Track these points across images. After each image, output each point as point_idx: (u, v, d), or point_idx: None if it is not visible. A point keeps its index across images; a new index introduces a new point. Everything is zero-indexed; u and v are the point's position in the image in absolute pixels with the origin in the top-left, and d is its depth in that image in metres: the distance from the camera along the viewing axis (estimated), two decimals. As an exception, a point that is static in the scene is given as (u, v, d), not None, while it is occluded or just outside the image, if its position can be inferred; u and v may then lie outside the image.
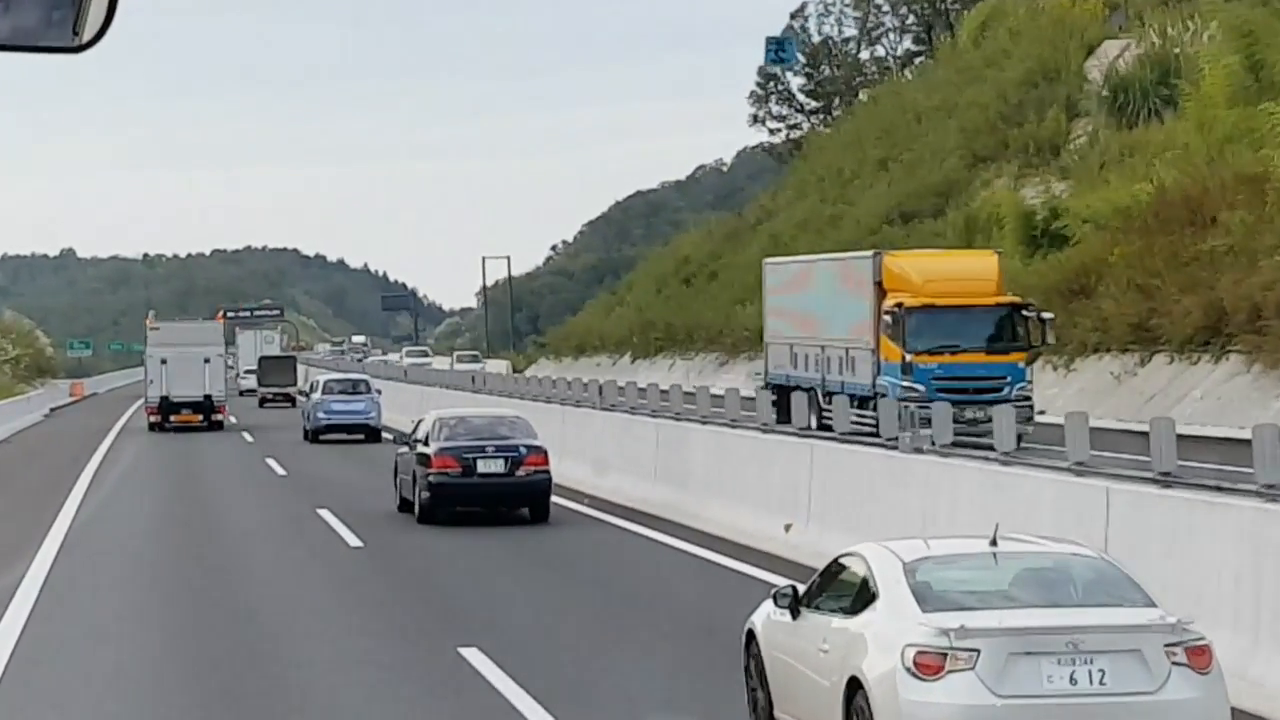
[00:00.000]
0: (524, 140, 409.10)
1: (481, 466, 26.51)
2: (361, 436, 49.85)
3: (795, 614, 12.20)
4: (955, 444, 23.14)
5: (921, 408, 28.58)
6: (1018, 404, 29.29)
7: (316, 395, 51.74)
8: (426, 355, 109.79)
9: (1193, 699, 10.72)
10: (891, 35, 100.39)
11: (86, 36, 5.58)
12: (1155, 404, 37.27)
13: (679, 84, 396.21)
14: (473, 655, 15.98)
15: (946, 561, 11.60)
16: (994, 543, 11.62)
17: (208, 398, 57.20)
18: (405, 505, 28.44)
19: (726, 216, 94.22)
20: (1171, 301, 40.17)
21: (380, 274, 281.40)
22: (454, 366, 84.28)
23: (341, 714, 14.37)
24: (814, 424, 32.04)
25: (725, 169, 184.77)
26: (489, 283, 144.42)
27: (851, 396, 31.06)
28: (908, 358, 32.43)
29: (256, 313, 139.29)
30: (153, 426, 57.26)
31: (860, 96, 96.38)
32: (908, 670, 10.67)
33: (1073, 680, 10.64)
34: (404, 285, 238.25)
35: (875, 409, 30.76)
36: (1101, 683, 10.65)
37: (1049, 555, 11.86)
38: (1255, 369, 36.46)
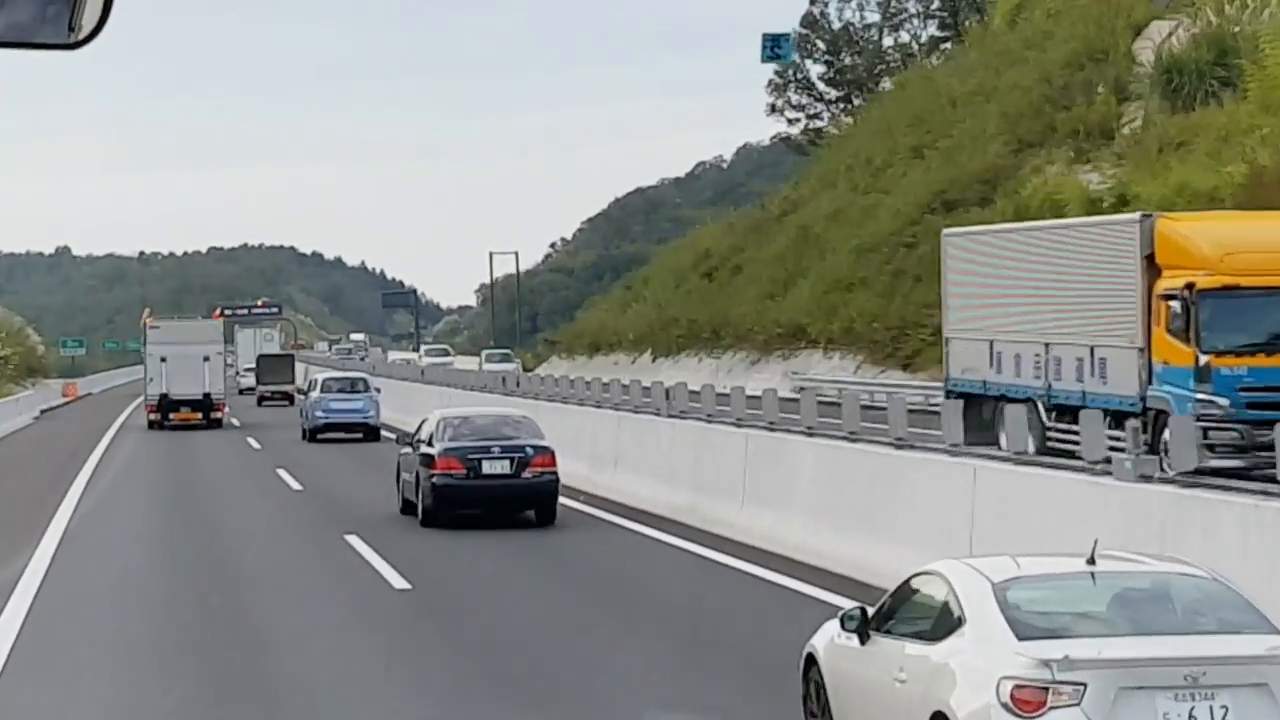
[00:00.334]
0: (522, 138, 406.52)
1: (486, 467, 25.80)
2: (360, 436, 49.31)
3: (864, 638, 11.17)
4: (1207, 471, 17.65)
5: (1221, 427, 22.34)
6: None
7: (315, 394, 51.19)
8: (448, 354, 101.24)
9: None
10: (915, 21, 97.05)
11: (82, 33, 5.58)
12: None
13: (678, 81, 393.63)
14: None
15: (1040, 582, 10.68)
16: (1092, 560, 10.55)
17: (207, 396, 57.35)
18: (408, 507, 27.50)
19: (747, 209, 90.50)
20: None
21: (377, 272, 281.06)
22: (483, 367, 76.61)
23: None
24: (1032, 447, 24.15)
25: (725, 166, 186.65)
26: (486, 280, 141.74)
27: (1105, 411, 23.40)
28: (1203, 360, 23.85)
29: (255, 311, 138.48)
30: (152, 424, 57.07)
31: (884, 83, 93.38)
32: (1004, 706, 9.64)
33: (1192, 718, 9.58)
34: (401, 283, 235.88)
35: (1150, 430, 23.20)
36: None
37: (1155, 575, 10.77)
38: None
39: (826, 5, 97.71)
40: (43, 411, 77.43)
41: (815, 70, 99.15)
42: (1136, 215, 26.75)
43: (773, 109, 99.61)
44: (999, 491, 17.95)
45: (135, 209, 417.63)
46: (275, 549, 25.28)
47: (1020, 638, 9.90)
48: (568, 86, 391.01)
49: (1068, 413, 25.51)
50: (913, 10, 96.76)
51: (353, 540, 24.59)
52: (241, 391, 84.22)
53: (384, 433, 47.83)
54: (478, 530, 25.58)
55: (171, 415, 56.67)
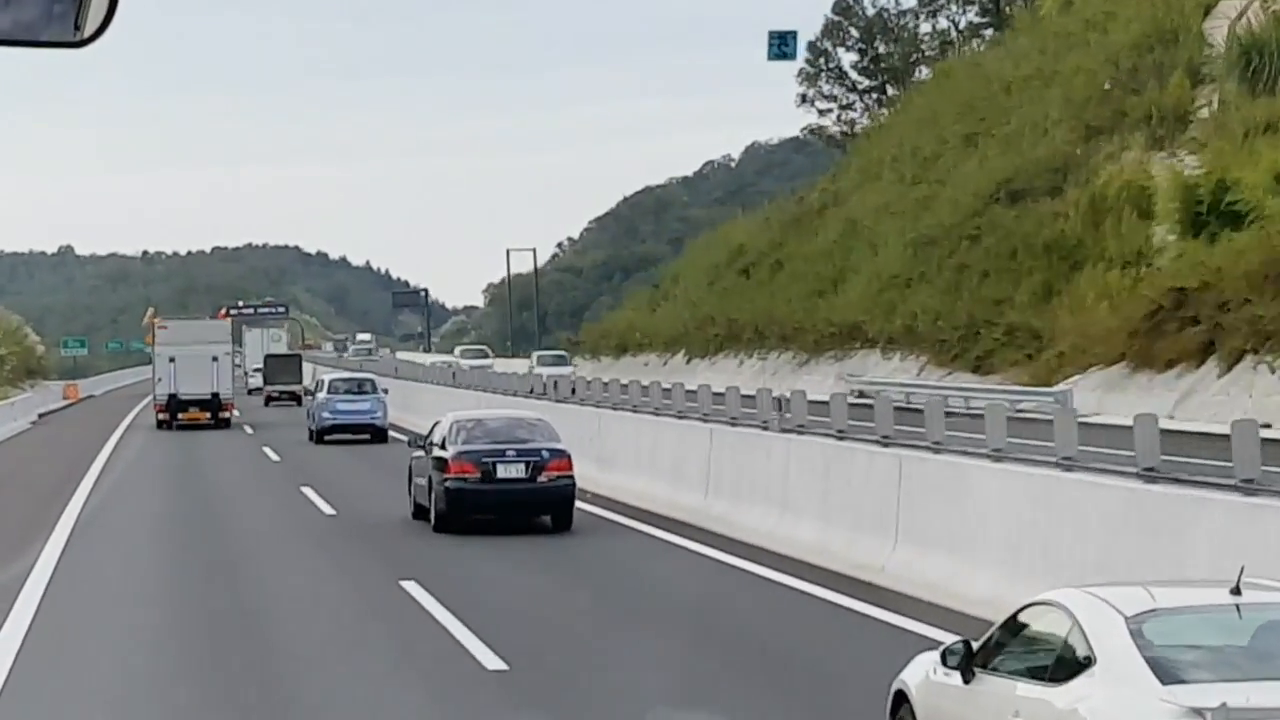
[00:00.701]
0: (529, 137, 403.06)
1: (501, 471, 25.24)
2: (367, 437, 48.73)
3: (968, 676, 9.92)
4: None
5: None
6: None
7: (322, 395, 50.57)
8: (487, 356, 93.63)
9: None
10: (953, 6, 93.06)
11: (88, 32, 5.54)
12: None
13: (686, 81, 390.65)
14: None
15: (1180, 615, 9.31)
16: (1237, 590, 9.18)
17: (215, 395, 57.68)
18: (420, 512, 26.85)
19: (784, 202, 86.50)
20: None
21: (383, 272, 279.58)
22: (534, 370, 67.63)
23: None
24: None
25: (733, 165, 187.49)
26: (493, 280, 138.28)
27: None
28: None
29: (261, 310, 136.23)
30: (160, 424, 57.44)
31: (922, 71, 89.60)
32: None
33: None
34: (407, 283, 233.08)
35: None
36: None
37: None
38: None
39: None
40: (41, 415, 73.32)
41: (848, 59, 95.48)
42: None
43: (803, 99, 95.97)
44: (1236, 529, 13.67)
45: (139, 208, 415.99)
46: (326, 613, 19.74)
47: (1164, 682, 8.64)
48: (575, 85, 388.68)
49: None
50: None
51: (411, 588, 19.56)
52: (250, 392, 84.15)
53: (391, 434, 47.61)
54: (575, 584, 20.69)
55: (180, 415, 57.17)
